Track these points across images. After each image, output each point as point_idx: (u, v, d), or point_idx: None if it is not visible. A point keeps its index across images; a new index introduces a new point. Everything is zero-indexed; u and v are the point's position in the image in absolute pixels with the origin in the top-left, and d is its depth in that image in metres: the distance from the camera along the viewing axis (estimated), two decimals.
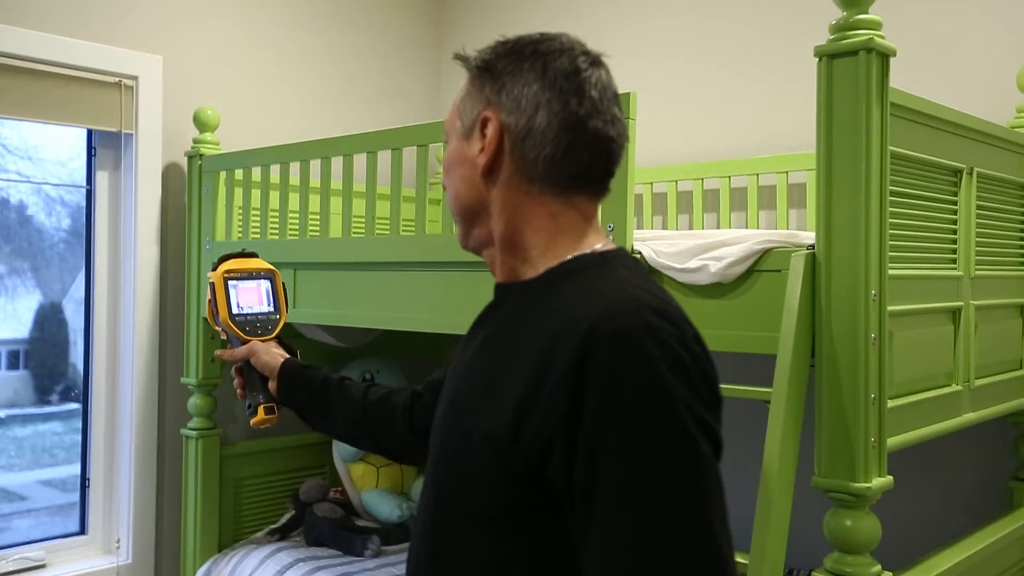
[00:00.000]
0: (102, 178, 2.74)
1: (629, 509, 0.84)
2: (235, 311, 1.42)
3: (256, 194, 2.51)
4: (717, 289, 1.59)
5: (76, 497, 2.74)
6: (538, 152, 1.00)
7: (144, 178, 2.71)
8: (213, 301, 1.43)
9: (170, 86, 2.76)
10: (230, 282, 1.43)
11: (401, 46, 3.38)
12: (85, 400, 2.74)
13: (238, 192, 2.59)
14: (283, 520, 2.79)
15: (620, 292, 0.94)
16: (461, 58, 1.08)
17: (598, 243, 1.04)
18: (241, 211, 2.57)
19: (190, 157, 2.70)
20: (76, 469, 2.73)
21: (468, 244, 1.12)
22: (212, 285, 1.44)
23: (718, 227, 2.64)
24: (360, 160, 2.19)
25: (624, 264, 1.03)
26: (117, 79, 2.64)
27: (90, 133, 2.71)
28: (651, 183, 2.78)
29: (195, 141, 2.69)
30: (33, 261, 2.69)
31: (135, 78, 2.67)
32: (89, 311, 2.74)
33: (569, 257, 1.02)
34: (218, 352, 1.45)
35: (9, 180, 2.60)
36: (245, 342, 1.43)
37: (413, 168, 2.61)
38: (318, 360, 2.96)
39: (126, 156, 2.72)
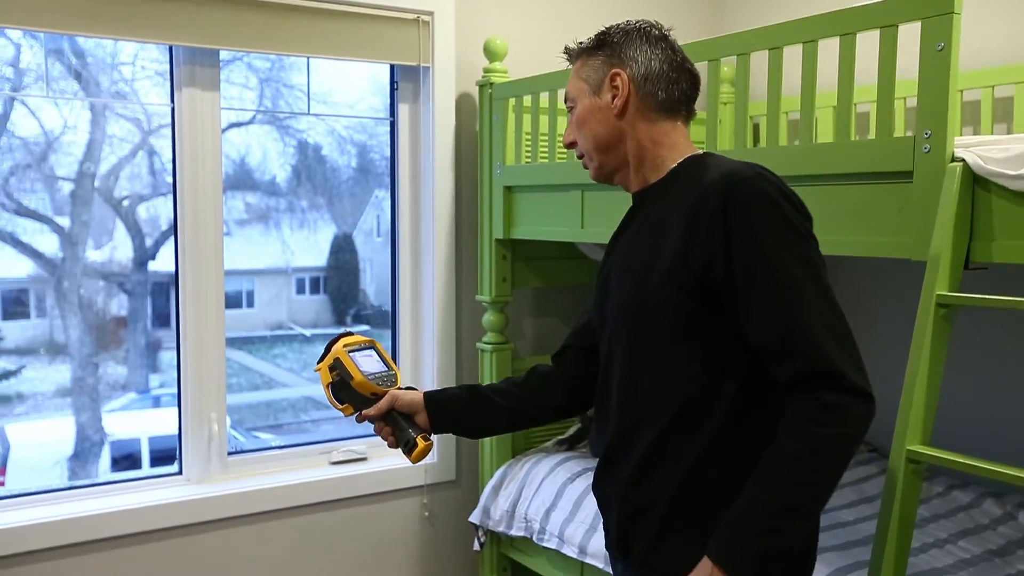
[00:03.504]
0: (403, 110, 2.95)
1: (775, 285, 1.28)
2: (365, 371, 1.59)
3: (544, 119, 2.58)
4: None
5: None
6: (656, 88, 1.43)
7: (440, 108, 2.88)
8: (342, 373, 1.59)
9: (461, 18, 2.90)
10: (351, 354, 1.61)
11: None
12: (393, 318, 3.01)
13: (526, 118, 2.68)
14: (570, 432, 2.92)
15: (734, 163, 1.37)
16: (569, 51, 1.51)
17: (696, 150, 1.48)
18: (529, 136, 2.67)
19: (481, 86, 2.82)
20: None
21: (602, 173, 1.52)
22: (338, 360, 1.60)
23: None
24: None
25: (720, 155, 1.45)
26: (415, 15, 2.81)
27: (392, 68, 2.92)
28: (960, 90, 2.53)
29: (485, 70, 2.81)
30: (328, 196, 2.97)
31: (431, 13, 2.82)
32: (395, 236, 2.99)
33: (684, 158, 1.45)
34: (362, 413, 1.60)
35: (327, 116, 2.87)
36: (380, 395, 1.59)
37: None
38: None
39: (424, 88, 2.91)
